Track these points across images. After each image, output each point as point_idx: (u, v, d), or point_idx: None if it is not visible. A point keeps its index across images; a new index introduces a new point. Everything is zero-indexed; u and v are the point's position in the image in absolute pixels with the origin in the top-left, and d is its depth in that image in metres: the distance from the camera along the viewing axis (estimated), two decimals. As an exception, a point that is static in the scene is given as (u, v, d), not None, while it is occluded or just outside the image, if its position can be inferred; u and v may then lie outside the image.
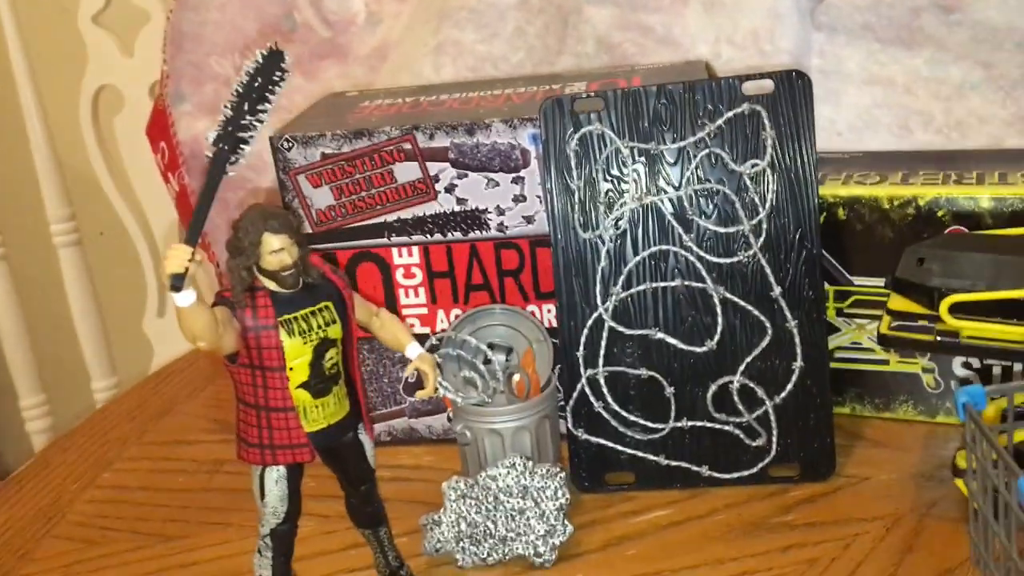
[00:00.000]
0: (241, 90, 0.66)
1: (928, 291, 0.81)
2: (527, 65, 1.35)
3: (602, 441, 0.96)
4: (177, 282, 0.63)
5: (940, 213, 0.93)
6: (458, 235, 1.00)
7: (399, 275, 1.02)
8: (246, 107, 0.66)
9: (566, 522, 0.87)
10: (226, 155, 0.66)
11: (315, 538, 0.92)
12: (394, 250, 1.01)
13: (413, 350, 0.77)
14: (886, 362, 1.00)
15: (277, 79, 0.67)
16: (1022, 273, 0.80)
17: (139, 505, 1.04)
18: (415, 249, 1.00)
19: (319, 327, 0.71)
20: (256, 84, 0.66)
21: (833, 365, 1.02)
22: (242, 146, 0.66)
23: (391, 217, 0.99)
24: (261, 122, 0.67)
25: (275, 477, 0.73)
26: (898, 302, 0.85)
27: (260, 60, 0.67)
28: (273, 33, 1.49)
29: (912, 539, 0.85)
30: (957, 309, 0.80)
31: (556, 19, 1.33)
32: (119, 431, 1.20)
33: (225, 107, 0.67)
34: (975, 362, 0.96)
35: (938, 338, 0.81)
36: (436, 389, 0.77)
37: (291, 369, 0.70)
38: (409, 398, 1.06)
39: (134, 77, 1.77)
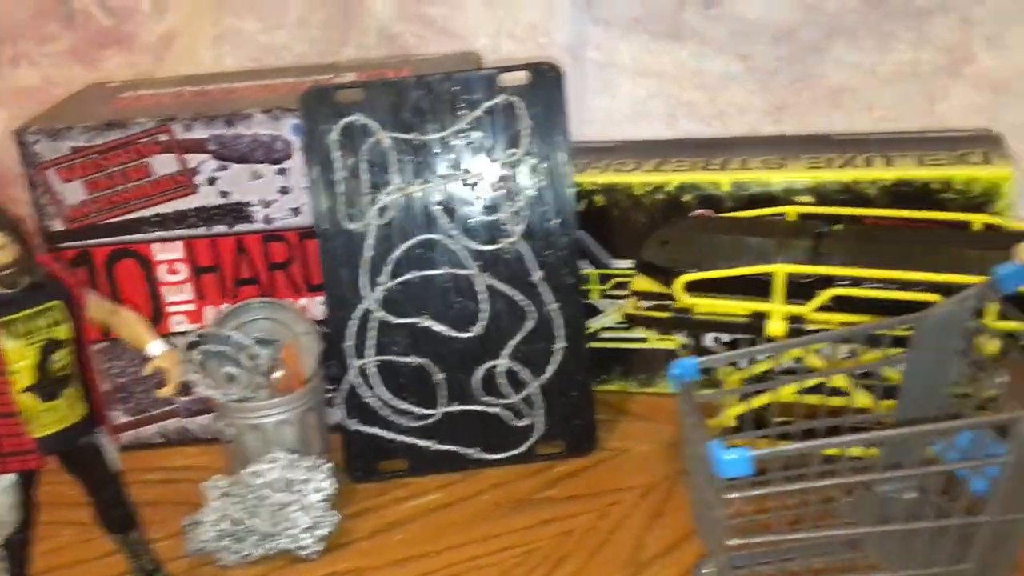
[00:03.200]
0: None
1: (666, 271, 0.86)
2: (311, 56, 1.34)
3: (375, 430, 0.97)
4: None
5: (686, 198, 0.99)
6: (223, 228, 0.98)
7: (162, 271, 0.99)
8: None
9: (333, 512, 0.87)
10: None
11: (73, 547, 0.89)
12: (155, 246, 0.98)
13: (155, 348, 0.76)
14: (645, 340, 1.06)
15: None
16: (752, 252, 0.86)
17: None
18: (178, 244, 0.98)
19: (45, 328, 0.69)
20: None
21: (600, 345, 1.07)
22: None
23: (150, 212, 0.97)
24: None
25: (4, 485, 0.70)
26: (642, 283, 0.89)
27: None
28: (48, 21, 1.41)
29: (662, 505, 0.90)
30: (693, 287, 0.85)
31: (339, 10, 1.32)
32: None
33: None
34: (724, 336, 1.02)
35: (674, 315, 0.86)
36: (197, 387, 0.75)
37: (14, 372, 0.68)
38: (183, 398, 1.03)
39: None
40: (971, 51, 1.20)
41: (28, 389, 0.69)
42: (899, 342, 0.74)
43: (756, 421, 0.86)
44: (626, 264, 1.03)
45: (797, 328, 0.83)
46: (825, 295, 0.81)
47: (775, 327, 0.83)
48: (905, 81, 1.23)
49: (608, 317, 1.06)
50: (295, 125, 0.94)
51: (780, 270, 0.81)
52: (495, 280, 0.95)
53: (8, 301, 0.67)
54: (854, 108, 1.25)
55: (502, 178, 0.94)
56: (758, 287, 0.84)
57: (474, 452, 0.97)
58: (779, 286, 0.82)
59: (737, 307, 0.84)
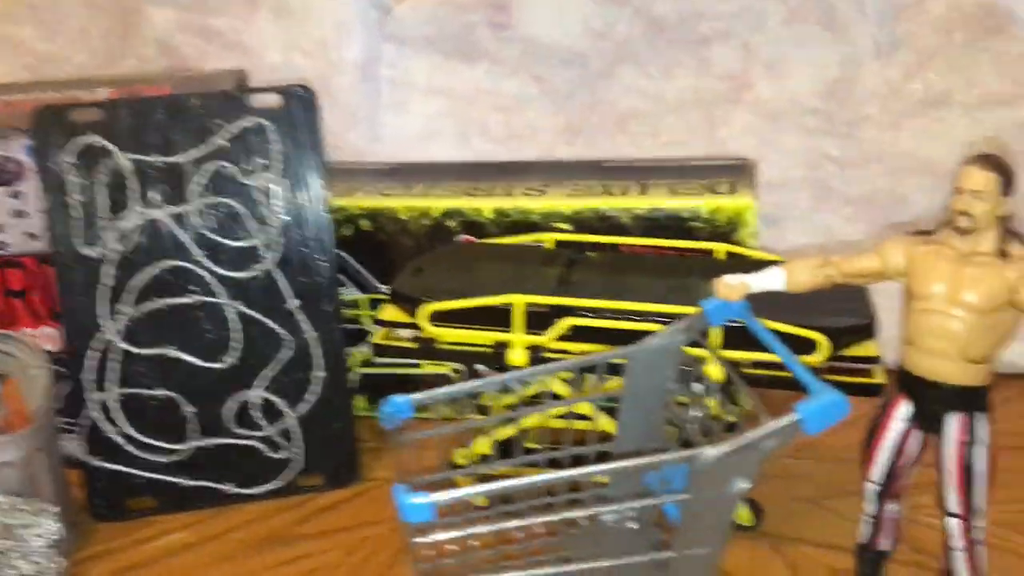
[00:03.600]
0: None
1: (413, 300, 0.85)
2: (90, 66, 1.27)
3: (119, 467, 0.92)
4: None
5: (451, 223, 0.98)
6: (-49, 254, 0.91)
7: None
8: None
9: (57, 558, 0.82)
10: None
11: None
12: None
13: None
14: (418, 365, 1.04)
15: None
16: (503, 281, 0.85)
17: None
18: (-100, 270, 0.91)
19: None
20: None
21: (373, 371, 1.04)
22: None
23: None
24: None
25: None
26: (390, 312, 0.88)
27: None
28: None
29: (414, 538, 0.88)
30: (439, 317, 0.84)
31: (119, 19, 1.26)
32: None
33: None
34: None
35: (419, 345, 0.84)
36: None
37: None
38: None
39: None
40: (750, 78, 1.24)
41: None
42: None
43: (506, 450, 0.85)
44: (394, 290, 1.01)
45: (539, 357, 0.82)
46: (562, 325, 0.81)
47: (516, 357, 0.82)
48: (689, 107, 1.26)
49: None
50: (28, 145, 0.89)
51: (518, 300, 0.81)
52: (248, 308, 0.91)
53: None
54: (641, 133, 1.27)
55: (253, 203, 0.91)
56: (501, 317, 0.83)
57: (229, 487, 0.93)
58: (518, 316, 0.82)
59: (479, 337, 0.83)
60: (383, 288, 1.02)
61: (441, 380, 1.05)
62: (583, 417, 0.85)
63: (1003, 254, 0.62)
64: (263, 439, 0.93)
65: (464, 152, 1.29)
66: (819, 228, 1.24)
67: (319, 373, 0.93)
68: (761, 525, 0.86)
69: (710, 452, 0.57)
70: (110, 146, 0.88)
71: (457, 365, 1.04)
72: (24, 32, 1.28)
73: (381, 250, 1.01)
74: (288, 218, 0.91)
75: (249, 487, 0.94)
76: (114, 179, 0.88)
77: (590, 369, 0.72)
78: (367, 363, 1.04)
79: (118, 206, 0.89)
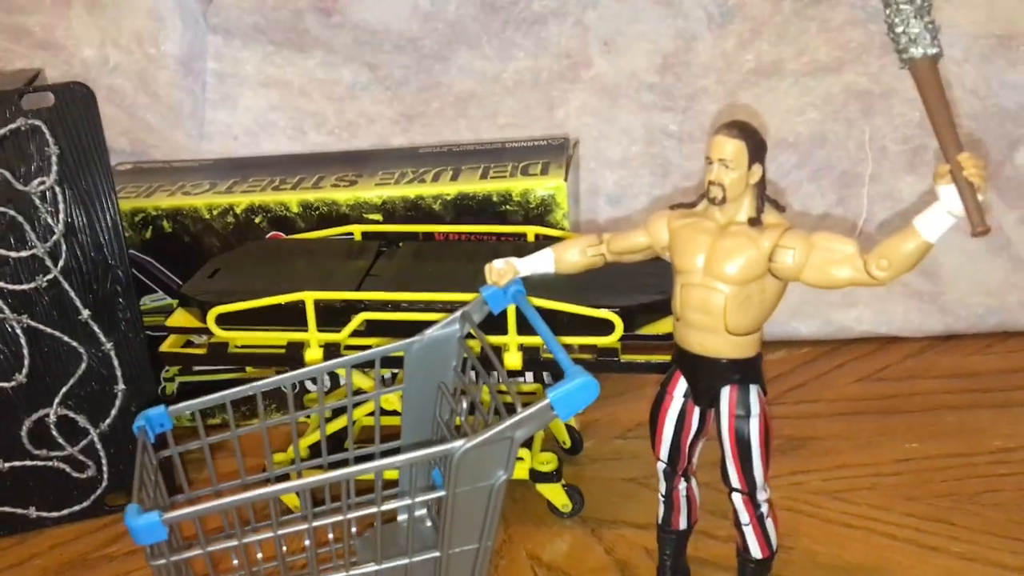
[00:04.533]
0: None
1: (203, 304, 0.80)
2: None
3: (-94, 499, 0.85)
4: None
5: (258, 220, 0.93)
6: None
7: None
8: None
9: None
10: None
11: None
12: None
13: None
14: (244, 370, 0.99)
15: None
16: (310, 276, 0.81)
17: None
18: None
19: None
20: None
21: (193, 378, 1.00)
22: None
23: None
24: None
25: None
26: (180, 317, 0.83)
27: None
28: None
29: (226, 551, 0.84)
30: (232, 320, 0.79)
31: (-84, 21, 1.19)
32: None
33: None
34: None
35: (210, 350, 0.80)
36: None
37: None
38: None
39: None
40: (588, 56, 1.22)
41: None
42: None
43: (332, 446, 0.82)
44: (206, 292, 0.97)
45: (337, 355, 0.79)
46: (356, 320, 0.78)
47: (313, 355, 0.79)
48: (526, 88, 1.23)
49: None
50: None
51: (309, 297, 0.77)
52: (35, 322, 0.86)
53: None
54: (480, 116, 1.24)
55: (32, 210, 0.85)
56: (296, 316, 0.79)
57: (31, 512, 0.88)
58: (311, 314, 0.78)
59: (272, 338, 0.79)
60: (194, 291, 0.97)
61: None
62: (394, 413, 0.81)
63: (757, 222, 0.60)
64: (65, 458, 0.88)
65: (298, 145, 1.25)
66: (661, 205, 1.22)
67: (121, 386, 0.88)
68: (581, 510, 0.84)
69: (461, 445, 0.55)
70: None
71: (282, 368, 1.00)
72: None
73: (187, 251, 0.96)
74: (73, 223, 0.86)
75: (53, 510, 0.89)
76: None
77: (368, 364, 0.69)
78: (184, 371, 0.99)
79: None
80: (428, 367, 0.68)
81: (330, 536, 0.70)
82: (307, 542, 0.59)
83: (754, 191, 0.60)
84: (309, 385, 0.98)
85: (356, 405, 0.72)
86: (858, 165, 1.15)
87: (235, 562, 0.63)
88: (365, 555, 0.69)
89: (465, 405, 0.64)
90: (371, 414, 0.83)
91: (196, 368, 0.99)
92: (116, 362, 0.88)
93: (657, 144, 1.23)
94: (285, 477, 0.72)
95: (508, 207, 0.91)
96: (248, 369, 1.00)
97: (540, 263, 0.66)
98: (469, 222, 0.90)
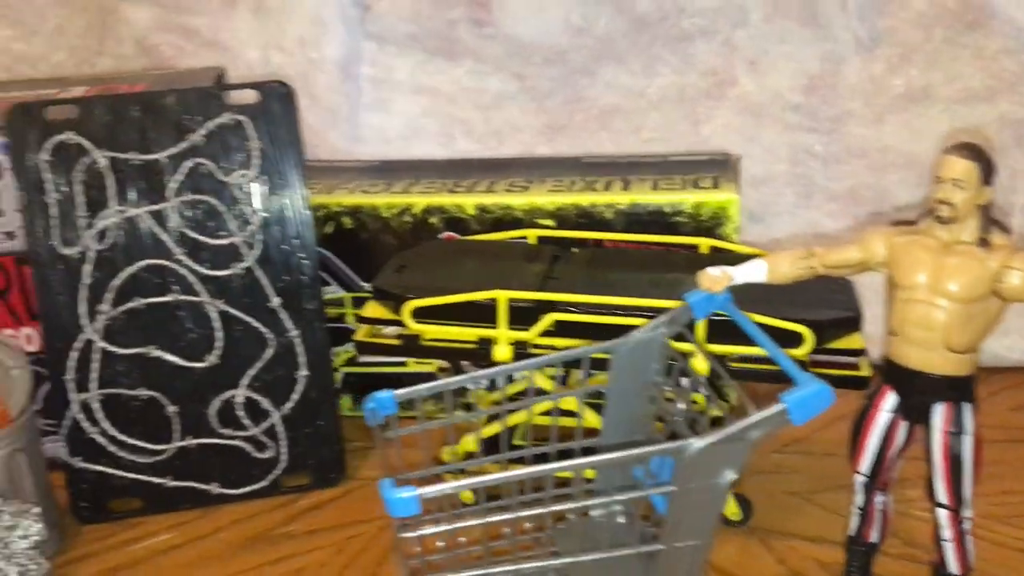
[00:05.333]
0: None
1: (396, 297, 0.84)
2: (68, 66, 1.26)
3: (102, 468, 0.91)
4: None
5: (433, 220, 0.97)
6: (-72, 253, 0.90)
7: None
8: None
9: (41, 560, 0.81)
10: None
11: None
12: None
13: None
14: (404, 364, 1.03)
15: None
16: (487, 277, 0.85)
17: None
18: None
19: None
20: None
21: (358, 370, 1.04)
22: None
23: None
24: None
25: None
26: (372, 309, 0.87)
27: None
28: None
29: (401, 536, 0.87)
30: (422, 313, 0.83)
31: (97, 19, 1.25)
32: None
33: None
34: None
35: (403, 342, 0.84)
36: None
37: None
38: None
39: None
40: (733, 74, 1.24)
41: None
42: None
43: (494, 445, 0.85)
44: (378, 287, 1.01)
45: (524, 353, 0.82)
46: (546, 320, 0.81)
47: (501, 352, 0.82)
48: (671, 104, 1.26)
49: (362, 341, 1.03)
50: (3, 144, 0.88)
51: (502, 296, 0.81)
52: (229, 307, 0.91)
53: None
54: (624, 130, 1.27)
55: (233, 201, 0.90)
56: (485, 313, 0.83)
57: (214, 488, 0.93)
58: (503, 312, 0.81)
59: (464, 333, 0.83)
60: (366, 286, 1.01)
61: (426, 378, 1.04)
62: (569, 413, 0.84)
63: (984, 243, 0.62)
64: (248, 439, 0.93)
65: (446, 151, 1.29)
66: (803, 224, 1.24)
67: (303, 372, 0.93)
68: (750, 520, 0.86)
69: (696, 443, 0.57)
70: (86, 144, 0.87)
71: (442, 363, 1.04)
72: (1, 32, 1.27)
73: (363, 248, 1.00)
74: (268, 215, 0.90)
75: (234, 487, 0.93)
76: (91, 177, 0.87)
77: (574, 364, 0.72)
78: (351, 362, 1.03)
79: (95, 204, 0.88)
80: (632, 369, 0.71)
81: (527, 526, 0.73)
82: (524, 525, 0.62)
83: (982, 212, 0.62)
84: (471, 384, 1.01)
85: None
86: (1011, 195, 1.16)
87: (462, 539, 0.66)
88: (563, 545, 0.71)
89: (682, 406, 0.66)
90: (547, 413, 0.85)
91: (360, 360, 1.03)
92: (300, 349, 0.92)
93: (801, 164, 1.24)
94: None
95: (679, 219, 0.93)
96: (409, 363, 1.04)
97: (753, 272, 0.68)
98: (639, 231, 0.93)
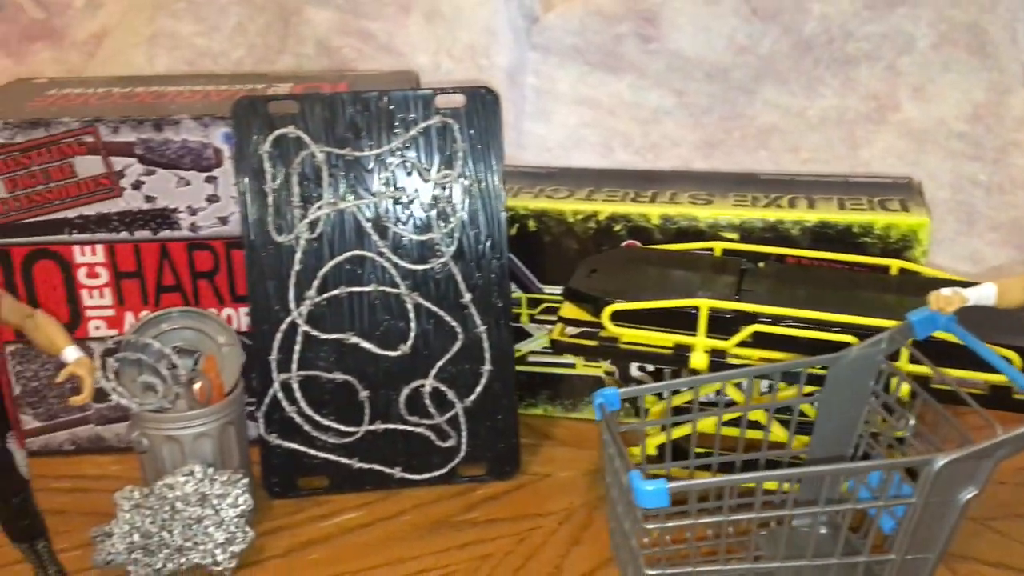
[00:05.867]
0: None
1: (594, 300, 0.87)
2: (247, 62, 1.32)
3: (295, 446, 0.95)
4: None
5: (617, 228, 1.00)
6: (147, 234, 0.96)
7: (82, 274, 0.96)
8: None
9: (247, 529, 0.85)
10: None
11: (-31, 557, 0.85)
12: (76, 248, 0.95)
13: (70, 354, 0.74)
14: (573, 365, 1.07)
15: None
16: (678, 285, 0.88)
17: None
18: (99, 248, 0.95)
19: (-46, 329, 0.66)
20: None
21: (526, 368, 1.07)
22: None
23: (72, 213, 0.94)
24: None
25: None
26: (569, 310, 0.90)
27: None
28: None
29: (580, 532, 0.90)
30: (619, 317, 0.86)
31: (278, 18, 1.31)
32: None
33: None
34: (649, 366, 1.04)
35: (600, 343, 0.87)
36: (115, 394, 0.73)
37: (-81, 375, 0.65)
38: (96, 404, 1.00)
39: None
40: (896, 100, 1.25)
41: (-67, 392, 0.66)
42: (815, 380, 0.77)
43: (675, 452, 0.87)
44: (556, 290, 1.04)
45: (718, 362, 0.84)
46: (746, 331, 0.83)
47: (697, 360, 0.84)
48: (831, 126, 1.27)
49: (536, 341, 1.07)
50: (226, 133, 0.93)
51: (704, 304, 0.83)
52: (424, 300, 0.95)
53: (-84, 300, 0.65)
54: (781, 149, 1.29)
55: (435, 198, 0.94)
56: (681, 320, 0.85)
57: (396, 472, 0.97)
58: (702, 320, 0.84)
59: (661, 339, 0.85)
60: (543, 288, 1.05)
61: (593, 381, 1.08)
62: (755, 425, 0.86)
63: None
64: (432, 427, 0.96)
65: (605, 162, 1.32)
66: (964, 252, 1.24)
67: (487, 367, 0.96)
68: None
69: (942, 458, 0.59)
70: (305, 138, 0.92)
71: (610, 367, 1.07)
72: (184, 27, 1.34)
73: (543, 251, 1.03)
74: (467, 215, 0.94)
75: (415, 473, 0.97)
76: (307, 170, 0.92)
77: (794, 375, 0.74)
78: (519, 361, 1.07)
79: (309, 196, 0.93)
80: (847, 383, 0.73)
81: (730, 530, 0.75)
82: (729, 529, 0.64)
83: None
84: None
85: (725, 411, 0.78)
86: None
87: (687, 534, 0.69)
88: (768, 550, 0.73)
89: (912, 422, 0.68)
90: (730, 423, 0.87)
91: (527, 359, 1.07)
92: (486, 344, 0.96)
93: (964, 192, 1.24)
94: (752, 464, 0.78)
95: (867, 239, 0.95)
96: (578, 365, 1.07)
97: (983, 294, 0.70)
98: (824, 250, 0.94)
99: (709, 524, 0.64)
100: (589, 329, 0.88)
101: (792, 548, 0.73)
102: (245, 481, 0.86)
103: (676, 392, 0.92)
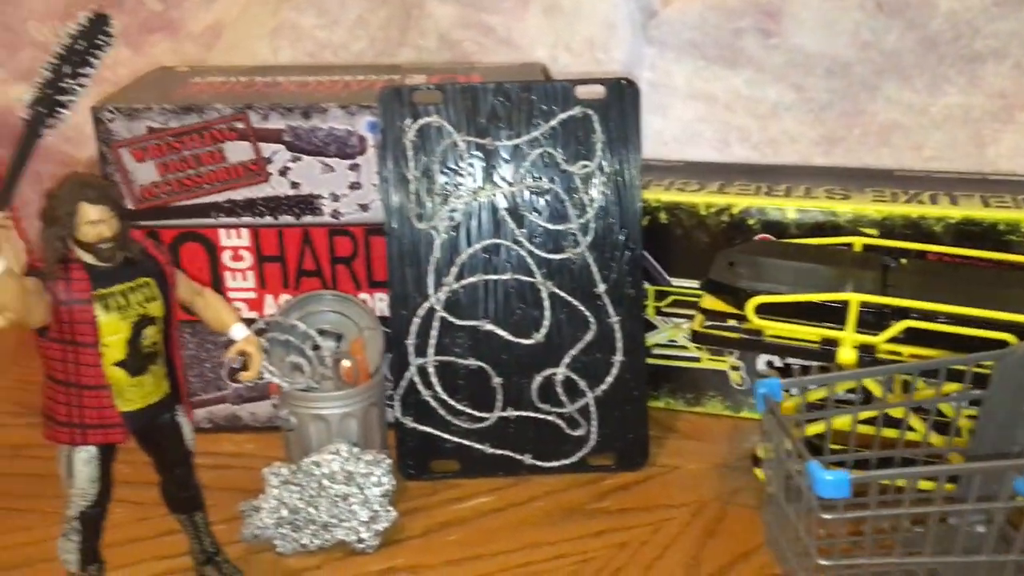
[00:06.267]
0: (62, 52, 0.63)
1: (737, 292, 0.87)
2: (368, 54, 1.35)
3: (429, 429, 0.97)
4: None
5: (751, 222, 1.00)
6: (290, 219, 0.98)
7: (226, 257, 0.99)
8: (66, 70, 0.63)
9: (390, 508, 0.87)
10: (42, 118, 0.63)
11: (128, 525, 0.88)
12: (222, 231, 0.98)
13: (238, 331, 0.76)
14: (697, 359, 1.07)
15: (101, 44, 0.65)
16: (821, 279, 0.87)
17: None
18: (244, 231, 0.98)
19: (138, 304, 0.69)
20: (78, 47, 0.63)
21: (650, 361, 1.07)
22: (60, 110, 0.64)
23: (220, 197, 0.97)
24: (82, 86, 0.64)
25: (85, 458, 0.70)
26: (710, 302, 0.90)
27: (84, 23, 0.64)
28: (101, 2, 1.42)
29: (715, 524, 0.90)
30: (761, 310, 0.86)
31: (399, 11, 1.33)
32: (-92, 413, 1.11)
33: (43, 69, 0.63)
34: (776, 361, 1.04)
35: (744, 336, 0.87)
36: (261, 372, 0.75)
37: (106, 346, 0.68)
38: (233, 384, 1.03)
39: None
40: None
41: (118, 364, 0.69)
42: (953, 377, 0.76)
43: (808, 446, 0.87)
44: (684, 283, 1.04)
45: (866, 357, 0.84)
46: (898, 326, 0.82)
47: (846, 355, 0.84)
48: (955, 123, 1.25)
49: (661, 334, 1.07)
50: (371, 122, 0.95)
51: (854, 299, 0.83)
52: (559, 289, 0.96)
53: (106, 274, 0.67)
54: (903, 146, 1.27)
55: (572, 189, 0.95)
56: (826, 314, 0.85)
57: (526, 458, 0.98)
58: (852, 315, 0.83)
59: (809, 332, 0.85)
60: (671, 280, 1.05)
61: (716, 376, 1.07)
62: (898, 423, 0.85)
63: None
64: (563, 415, 0.97)
65: (722, 156, 1.31)
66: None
67: (619, 357, 0.97)
68: None
69: None
70: (448, 127, 0.93)
71: (736, 362, 1.06)
72: (306, 20, 1.36)
73: (673, 243, 1.03)
74: (603, 205, 0.95)
75: (545, 460, 0.98)
76: (448, 158, 0.94)
77: (959, 374, 0.73)
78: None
79: (450, 184, 0.94)
80: (1012, 381, 0.71)
81: (884, 525, 0.75)
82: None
83: None
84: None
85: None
86: None
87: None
88: (934, 548, 0.72)
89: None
90: (866, 421, 0.86)
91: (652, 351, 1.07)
92: (619, 335, 0.96)
93: (1097, 192, 1.21)
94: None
95: (1014, 237, 0.93)
96: (703, 359, 1.07)
97: None
98: (967, 247, 0.93)
99: (885, 517, 0.63)
100: (719, 322, 0.88)
101: (947, 545, 0.72)
102: (388, 461, 0.88)
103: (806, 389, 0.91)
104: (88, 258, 0.67)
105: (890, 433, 0.84)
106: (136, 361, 0.69)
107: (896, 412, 0.86)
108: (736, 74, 1.32)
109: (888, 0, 1.23)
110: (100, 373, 0.68)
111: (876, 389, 0.88)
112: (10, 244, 0.61)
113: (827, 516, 0.61)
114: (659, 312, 1.06)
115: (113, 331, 0.67)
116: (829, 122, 1.30)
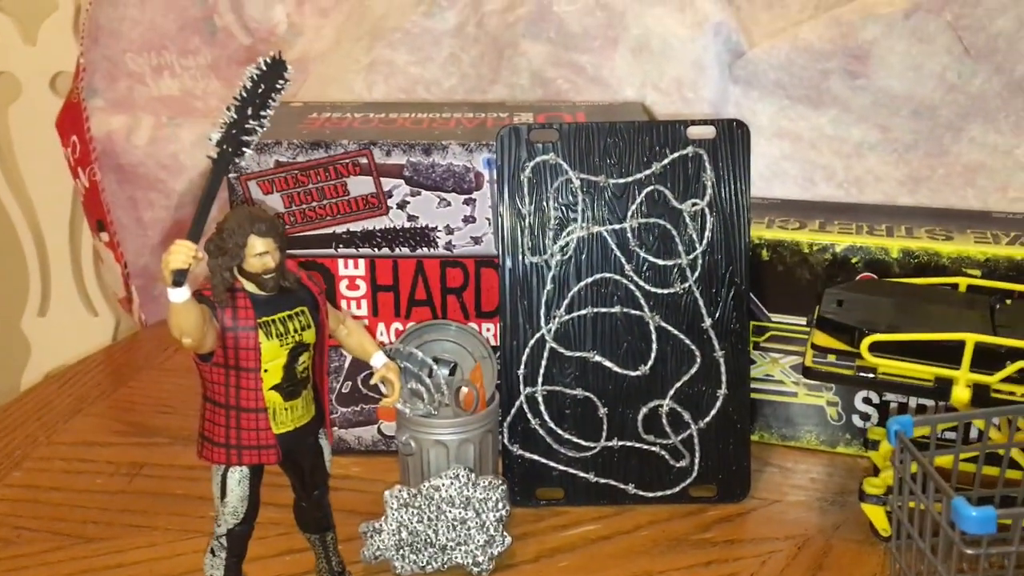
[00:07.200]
0: (245, 95, 0.67)
1: (849, 330, 0.89)
2: (459, 91, 1.39)
3: (535, 457, 0.99)
4: (179, 278, 0.64)
5: (854, 260, 1.02)
6: (406, 251, 1.02)
7: (343, 286, 1.03)
8: (249, 111, 0.67)
9: (504, 533, 0.90)
10: (229, 157, 0.67)
11: (252, 543, 0.91)
12: (340, 261, 1.02)
13: (379, 359, 0.79)
14: (795, 394, 1.08)
15: (279, 86, 0.69)
16: (931, 319, 0.89)
17: (55, 505, 1.00)
18: (361, 262, 1.02)
19: (295, 331, 0.72)
20: (259, 90, 0.67)
21: (746, 395, 1.09)
22: (243, 149, 0.67)
23: (340, 228, 1.01)
24: (262, 127, 0.68)
25: (238, 477, 0.73)
26: (821, 338, 0.92)
27: (264, 67, 0.68)
28: (192, 35, 1.48)
29: (821, 558, 0.92)
30: (873, 348, 0.88)
31: (492, 50, 1.37)
32: (25, 430, 1.15)
33: (228, 110, 0.68)
34: (875, 398, 1.05)
35: (859, 373, 0.89)
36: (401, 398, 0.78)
37: (265, 371, 0.71)
38: (365, 406, 1.07)
39: (35, 66, 1.70)
40: (1111, 142, 1.24)
41: (274, 387, 0.72)
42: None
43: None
44: (783, 318, 1.06)
45: (980, 396, 0.85)
46: (1014, 366, 0.84)
47: (959, 394, 0.85)
48: (1042, 165, 1.27)
49: (760, 368, 1.09)
50: (488, 159, 0.99)
51: (970, 339, 0.84)
52: (666, 323, 0.98)
53: (267, 303, 0.71)
54: (988, 188, 1.29)
55: (681, 225, 0.98)
56: (933, 353, 0.87)
57: (630, 488, 1.00)
58: (968, 354, 0.85)
59: (922, 371, 0.87)
60: (771, 316, 1.07)
61: (811, 411, 1.09)
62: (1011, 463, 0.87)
63: None
64: (667, 446, 0.99)
65: (807, 194, 1.34)
66: None
67: (723, 390, 0.99)
68: None
69: None
70: (564, 164, 0.97)
71: (833, 398, 1.08)
72: (399, 56, 1.41)
73: (774, 280, 1.06)
74: (711, 242, 0.98)
75: (648, 490, 1.00)
76: (561, 195, 0.97)
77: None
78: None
79: (564, 220, 0.97)
80: None
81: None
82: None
83: None
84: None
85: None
86: None
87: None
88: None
89: None
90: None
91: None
92: (723, 368, 0.99)
93: None
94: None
95: (1120, 281, 0.95)
96: (800, 394, 1.08)
97: None
98: (1073, 290, 0.95)
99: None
100: (830, 358, 0.90)
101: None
102: (504, 487, 0.90)
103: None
104: (251, 287, 0.70)
105: (1014, 475, 0.86)
106: (291, 385, 0.72)
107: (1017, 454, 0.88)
108: (820, 113, 1.35)
109: (976, 44, 1.25)
110: (260, 396, 0.71)
111: (992, 429, 0.89)
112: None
113: (971, 551, 0.62)
114: (756, 347, 1.09)
115: (272, 356, 0.71)
116: (914, 162, 1.32)
